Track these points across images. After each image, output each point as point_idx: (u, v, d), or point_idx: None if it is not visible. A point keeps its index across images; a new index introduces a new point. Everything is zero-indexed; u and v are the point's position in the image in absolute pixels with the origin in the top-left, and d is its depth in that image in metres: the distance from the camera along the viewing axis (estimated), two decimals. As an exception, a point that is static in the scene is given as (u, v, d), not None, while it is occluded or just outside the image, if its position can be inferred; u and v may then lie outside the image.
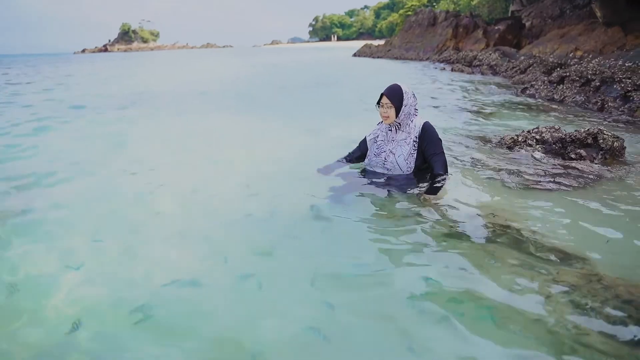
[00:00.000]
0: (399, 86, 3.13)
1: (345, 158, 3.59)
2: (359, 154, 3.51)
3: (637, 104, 6.48)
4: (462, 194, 3.10)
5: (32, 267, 2.39)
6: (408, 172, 3.15)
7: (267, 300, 2.02)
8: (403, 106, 3.10)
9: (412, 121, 3.16)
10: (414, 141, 3.12)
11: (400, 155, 3.14)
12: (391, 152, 3.20)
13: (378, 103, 3.18)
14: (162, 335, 1.81)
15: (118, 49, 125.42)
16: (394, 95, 3.09)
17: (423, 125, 3.13)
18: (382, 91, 3.14)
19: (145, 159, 4.60)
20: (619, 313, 1.74)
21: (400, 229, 2.62)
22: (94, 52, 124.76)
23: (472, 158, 4.08)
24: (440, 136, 3.18)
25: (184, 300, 2.05)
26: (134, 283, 2.20)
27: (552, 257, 2.21)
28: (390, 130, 3.22)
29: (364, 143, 3.47)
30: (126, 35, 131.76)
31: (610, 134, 4.03)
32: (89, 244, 2.66)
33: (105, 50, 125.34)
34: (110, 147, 5.16)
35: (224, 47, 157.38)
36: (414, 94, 3.18)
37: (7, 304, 2.07)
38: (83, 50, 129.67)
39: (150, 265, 2.37)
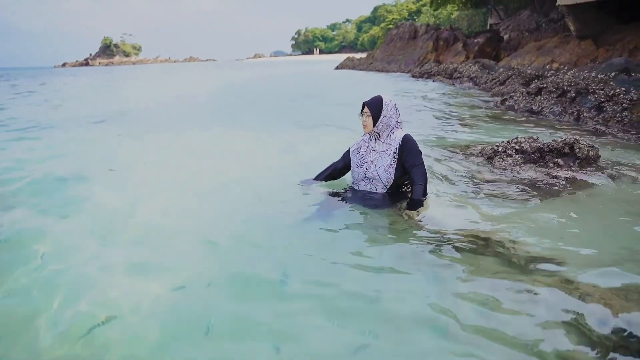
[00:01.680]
0: (380, 97, 3.26)
1: (327, 169, 3.65)
2: (342, 165, 3.58)
3: (610, 114, 6.72)
4: (443, 206, 3.18)
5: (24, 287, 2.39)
6: (388, 183, 3.23)
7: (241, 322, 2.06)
8: (381, 116, 3.21)
9: (393, 133, 3.26)
10: (394, 152, 3.21)
11: (381, 166, 3.23)
12: (372, 162, 3.28)
13: (361, 112, 3.31)
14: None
15: (99, 63, 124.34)
16: (373, 105, 3.23)
17: (403, 137, 3.22)
18: (364, 102, 3.27)
19: (125, 174, 4.61)
20: (596, 322, 1.82)
21: (381, 245, 2.68)
22: (74, 66, 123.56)
23: (453, 169, 4.19)
24: (420, 148, 3.27)
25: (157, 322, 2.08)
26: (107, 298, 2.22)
27: (533, 267, 2.27)
28: (371, 140, 3.33)
29: (347, 154, 3.54)
30: (108, 49, 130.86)
31: (585, 143, 4.19)
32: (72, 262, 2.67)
33: (87, 64, 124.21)
34: (93, 164, 5.15)
35: (206, 60, 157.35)
36: (395, 107, 3.29)
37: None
38: (63, 64, 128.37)
39: (121, 280, 2.39)
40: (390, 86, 16.30)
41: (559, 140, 4.26)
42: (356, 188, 3.42)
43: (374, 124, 3.23)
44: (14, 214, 3.43)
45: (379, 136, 3.27)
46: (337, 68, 36.68)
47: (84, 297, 2.21)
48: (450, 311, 1.95)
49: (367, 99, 3.27)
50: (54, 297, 2.21)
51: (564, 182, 3.68)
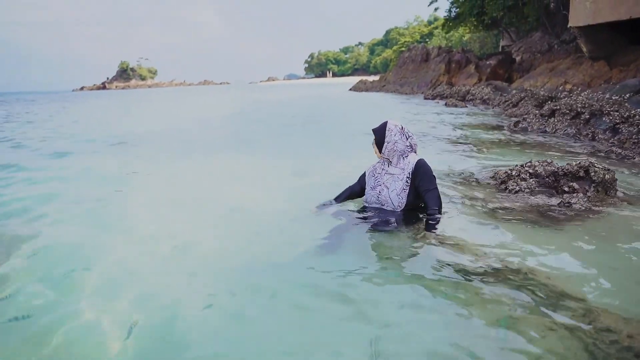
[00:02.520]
0: (385, 123, 3.35)
1: (345, 192, 3.68)
2: (358, 188, 3.61)
3: (626, 135, 6.65)
4: (457, 231, 3.14)
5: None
6: (400, 207, 3.23)
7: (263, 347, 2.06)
8: (385, 142, 3.28)
9: (405, 157, 3.28)
10: (407, 177, 3.22)
11: (394, 190, 3.24)
12: (385, 186, 3.30)
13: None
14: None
15: (116, 87, 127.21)
16: (377, 133, 3.36)
17: (417, 162, 3.23)
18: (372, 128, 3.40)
19: (140, 200, 4.66)
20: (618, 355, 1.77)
21: (396, 269, 2.66)
22: (92, 89, 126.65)
23: (467, 194, 4.17)
24: (434, 172, 3.28)
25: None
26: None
27: (552, 297, 2.22)
28: (384, 164, 3.37)
29: (363, 177, 3.59)
30: (124, 73, 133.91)
31: (601, 166, 4.14)
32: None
33: (104, 87, 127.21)
34: (103, 189, 5.23)
35: (221, 83, 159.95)
36: (402, 131, 3.31)
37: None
38: (81, 88, 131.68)
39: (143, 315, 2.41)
40: (403, 109, 16.35)
41: (574, 163, 4.21)
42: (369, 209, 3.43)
43: (380, 150, 3.30)
44: (26, 231, 3.49)
45: (390, 161, 3.31)
46: (350, 90, 37.00)
47: (89, 324, 2.23)
48: (464, 341, 1.92)
49: (376, 125, 3.35)
50: (69, 321, 2.24)
51: (579, 207, 3.63)
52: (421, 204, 3.27)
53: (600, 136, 7.05)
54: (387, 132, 3.28)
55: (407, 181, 3.21)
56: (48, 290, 2.59)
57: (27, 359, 1.99)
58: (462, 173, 5.06)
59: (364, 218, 3.34)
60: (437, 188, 3.21)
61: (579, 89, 11.20)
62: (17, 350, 2.05)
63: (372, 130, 3.38)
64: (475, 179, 4.76)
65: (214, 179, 5.59)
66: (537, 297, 2.22)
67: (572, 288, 2.29)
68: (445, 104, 16.31)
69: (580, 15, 11.67)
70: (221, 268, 2.83)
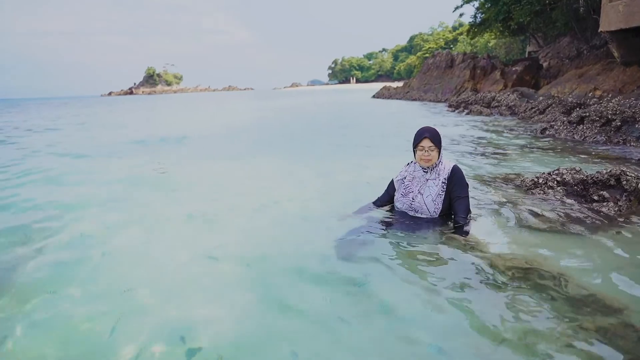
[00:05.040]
0: (436, 129, 3.20)
1: (374, 202, 3.65)
2: (387, 198, 3.56)
3: (661, 144, 6.39)
4: (485, 237, 3.07)
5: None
6: (436, 213, 3.16)
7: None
8: (442, 148, 3.20)
9: (441, 162, 3.21)
10: (442, 182, 3.16)
11: (429, 196, 3.18)
12: (419, 192, 3.23)
13: (416, 146, 3.18)
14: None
15: (143, 92, 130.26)
16: (437, 138, 3.14)
17: (453, 168, 3.18)
18: (423, 134, 3.12)
19: (169, 201, 4.69)
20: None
21: (425, 271, 2.61)
22: (119, 94, 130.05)
23: (494, 201, 4.05)
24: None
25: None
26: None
27: (577, 305, 2.14)
28: (426, 171, 3.24)
29: (391, 185, 3.51)
30: (151, 79, 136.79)
31: (633, 174, 3.96)
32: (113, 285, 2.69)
33: (131, 93, 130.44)
34: (127, 190, 5.29)
35: (245, 89, 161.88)
36: None
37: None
38: (110, 93, 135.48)
39: (176, 314, 2.38)
40: (428, 115, 16.20)
41: (604, 171, 4.05)
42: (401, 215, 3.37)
43: (438, 156, 3.16)
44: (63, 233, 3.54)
45: (434, 166, 3.20)
46: (374, 97, 36.89)
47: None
48: (492, 346, 1.84)
49: (412, 130, 3.25)
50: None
51: (610, 217, 3.48)
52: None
53: (632, 144, 6.81)
54: (440, 137, 3.20)
55: (443, 187, 3.16)
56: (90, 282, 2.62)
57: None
58: (489, 180, 4.93)
59: (395, 221, 3.29)
60: (468, 197, 3.18)
61: (610, 96, 10.87)
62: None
63: (429, 138, 3.10)
64: (502, 186, 4.63)
65: (248, 183, 5.67)
66: (570, 306, 2.13)
67: (607, 299, 2.19)
68: (470, 111, 16.03)
69: (612, 19, 11.34)
70: (248, 275, 2.83)
